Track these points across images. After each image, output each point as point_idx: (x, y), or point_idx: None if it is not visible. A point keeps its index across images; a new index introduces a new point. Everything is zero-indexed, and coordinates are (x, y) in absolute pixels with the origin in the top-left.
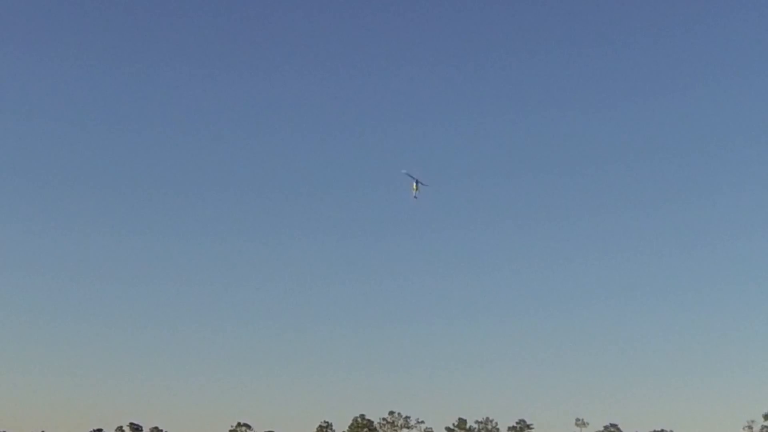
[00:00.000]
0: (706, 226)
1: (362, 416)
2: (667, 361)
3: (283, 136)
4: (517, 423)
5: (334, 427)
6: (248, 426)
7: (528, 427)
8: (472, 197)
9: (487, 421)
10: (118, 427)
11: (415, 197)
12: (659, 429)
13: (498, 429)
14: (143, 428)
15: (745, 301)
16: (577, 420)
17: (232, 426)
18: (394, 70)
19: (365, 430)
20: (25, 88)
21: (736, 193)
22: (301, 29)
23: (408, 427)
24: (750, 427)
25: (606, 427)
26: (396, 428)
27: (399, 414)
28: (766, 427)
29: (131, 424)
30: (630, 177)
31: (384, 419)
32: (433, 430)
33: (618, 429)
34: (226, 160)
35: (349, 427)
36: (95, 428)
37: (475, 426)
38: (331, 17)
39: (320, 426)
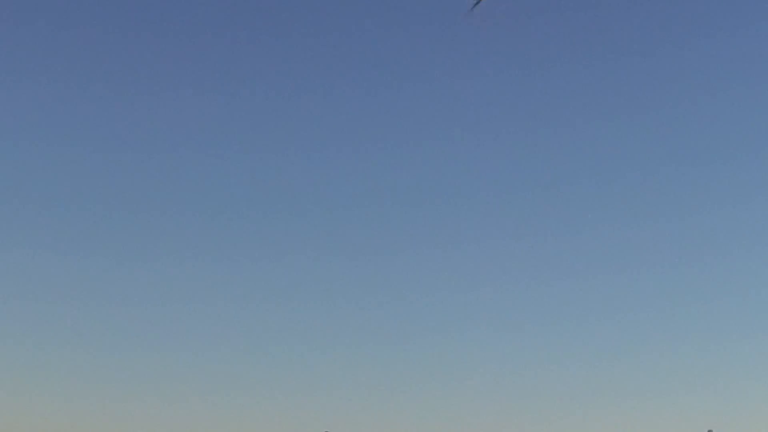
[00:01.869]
0: (638, 247)
1: None
2: (605, 380)
3: (280, 150)
4: None
5: None
6: None
7: None
8: (455, 213)
9: None
10: None
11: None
12: None
13: None
14: None
15: (681, 323)
16: None
17: None
18: (394, 82)
19: None
20: (16, 100)
21: (736, 203)
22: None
23: None
24: None
25: None
26: None
27: None
28: None
29: None
30: (629, 185)
31: None
32: None
33: None
34: (222, 174)
35: None
36: None
37: None
38: (329, 22)
39: None
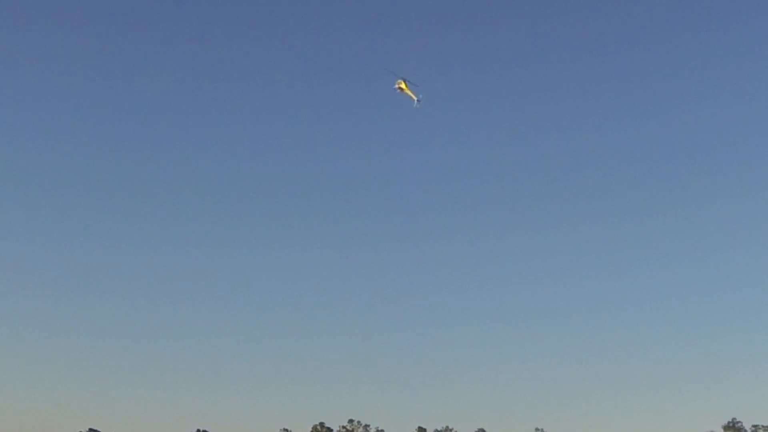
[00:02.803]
0: (656, 239)
1: (321, 424)
2: (627, 371)
3: (282, 142)
4: (477, 431)
5: None
6: None
7: None
8: (453, 204)
9: (447, 429)
10: None
11: (417, 102)
12: None
13: None
14: None
15: (700, 315)
16: (537, 429)
17: None
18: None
19: None
20: (21, 95)
21: (728, 199)
22: (293, 39)
23: None
24: None
25: None
26: None
27: (358, 422)
28: None
29: (90, 430)
30: (627, 182)
31: (343, 427)
32: None
33: None
34: (223, 166)
35: None
36: None
37: None
38: (328, 20)
39: None
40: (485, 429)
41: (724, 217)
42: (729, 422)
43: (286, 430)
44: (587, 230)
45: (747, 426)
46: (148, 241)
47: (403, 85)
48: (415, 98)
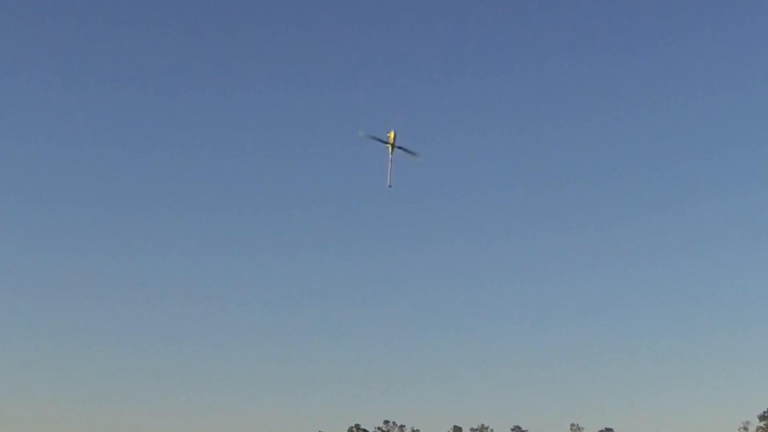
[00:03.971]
0: (698, 232)
1: (357, 426)
2: (662, 364)
3: (277, 150)
4: (512, 429)
5: None
6: None
7: None
8: (460, 207)
9: (483, 428)
10: None
11: (389, 186)
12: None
13: None
14: None
15: (739, 304)
16: (572, 425)
17: None
18: (390, 77)
19: None
20: (21, 102)
21: (732, 198)
22: (289, 40)
23: None
24: (745, 428)
25: (601, 431)
26: None
27: (394, 423)
28: (761, 428)
29: None
30: (628, 182)
31: (379, 428)
32: None
33: None
34: (223, 172)
35: None
36: None
37: None
38: (326, 21)
39: None
40: (521, 426)
41: (749, 210)
42: (765, 412)
43: None
44: (619, 226)
45: None
46: (181, 248)
47: (392, 139)
48: (414, 153)
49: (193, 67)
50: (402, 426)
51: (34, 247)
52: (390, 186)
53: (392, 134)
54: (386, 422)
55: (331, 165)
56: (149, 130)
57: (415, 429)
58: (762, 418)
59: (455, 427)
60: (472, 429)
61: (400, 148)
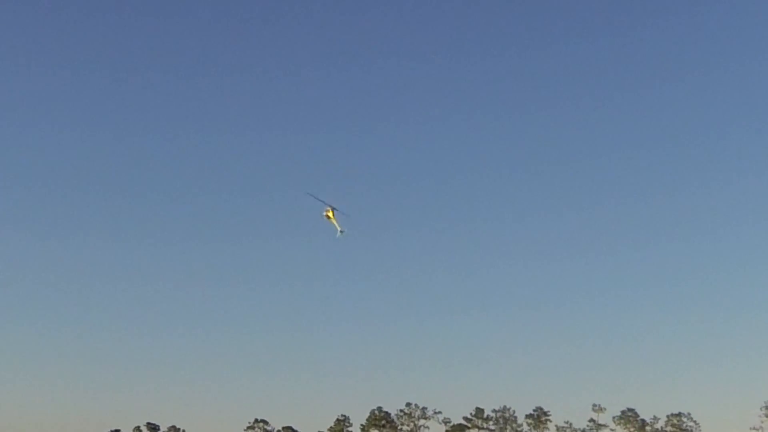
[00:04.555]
0: (719, 213)
1: (380, 409)
2: (683, 344)
3: (281, 136)
4: (534, 410)
5: (351, 421)
6: (265, 422)
7: (545, 414)
8: (479, 192)
9: (504, 409)
10: (135, 427)
11: (340, 233)
12: (677, 412)
13: (515, 417)
14: (160, 428)
15: (759, 284)
16: (594, 406)
17: (249, 422)
18: (387, 68)
19: (383, 422)
20: (21, 90)
21: (736, 185)
22: (291, 29)
23: (425, 418)
24: (767, 407)
25: (623, 412)
26: (413, 420)
27: (416, 405)
28: None
29: (148, 424)
30: (630, 169)
31: (401, 411)
32: (451, 420)
33: (635, 413)
34: (225, 160)
35: (367, 420)
36: (113, 429)
37: (492, 415)
38: (324, 15)
39: (338, 420)
40: (542, 407)
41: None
42: None
43: (344, 416)
44: (642, 206)
45: None
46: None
47: (330, 214)
48: (339, 229)
49: (192, 54)
50: (424, 408)
51: (38, 235)
52: (342, 232)
53: (330, 212)
54: (408, 404)
55: (338, 150)
56: (146, 118)
57: (437, 411)
58: None
59: (477, 408)
60: (494, 410)
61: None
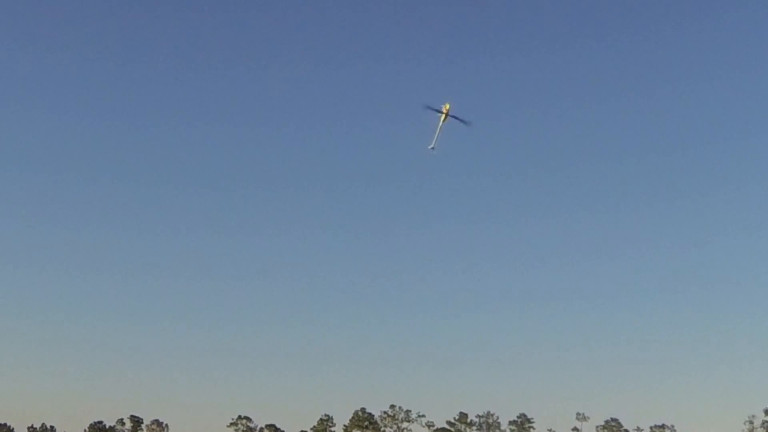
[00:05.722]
0: (706, 222)
1: (363, 410)
2: (668, 355)
3: (283, 131)
4: (518, 417)
5: (334, 421)
6: (249, 419)
7: (529, 421)
8: (469, 195)
9: (488, 415)
10: (118, 420)
11: (432, 148)
12: (660, 423)
13: (499, 423)
14: (143, 421)
15: (744, 297)
16: (578, 414)
17: (232, 419)
18: (390, 65)
19: (366, 423)
20: (23, 84)
21: (735, 190)
22: (293, 25)
23: (409, 421)
24: (751, 422)
25: (607, 422)
26: (397, 422)
27: (400, 408)
28: (767, 421)
29: (132, 417)
30: (629, 174)
31: (385, 413)
32: (434, 424)
33: (619, 423)
34: (228, 154)
35: (350, 420)
36: (96, 420)
37: (476, 420)
38: (326, 12)
39: (321, 420)
40: (526, 414)
41: (729, 210)
42: None
43: (328, 416)
44: (625, 216)
45: None
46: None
47: (445, 112)
48: (434, 143)
49: (194, 46)
50: (408, 411)
51: (32, 228)
52: (433, 148)
53: (446, 106)
54: (392, 407)
55: (333, 149)
56: (147, 110)
57: (420, 414)
58: (767, 412)
59: (461, 413)
60: (477, 416)
61: (453, 117)
